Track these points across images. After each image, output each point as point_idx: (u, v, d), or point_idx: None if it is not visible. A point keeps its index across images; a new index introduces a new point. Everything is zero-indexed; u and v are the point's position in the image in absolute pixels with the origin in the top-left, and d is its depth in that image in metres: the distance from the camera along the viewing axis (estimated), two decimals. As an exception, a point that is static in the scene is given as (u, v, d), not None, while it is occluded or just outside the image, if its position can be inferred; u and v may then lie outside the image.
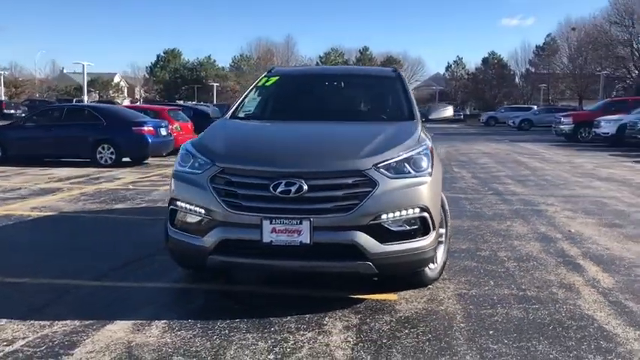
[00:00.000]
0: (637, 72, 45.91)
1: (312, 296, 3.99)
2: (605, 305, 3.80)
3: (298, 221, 3.47)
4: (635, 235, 5.93)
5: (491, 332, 3.34)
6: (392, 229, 3.55)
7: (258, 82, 5.32)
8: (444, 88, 75.12)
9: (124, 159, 13.09)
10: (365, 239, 3.48)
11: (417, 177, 3.66)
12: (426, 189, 3.66)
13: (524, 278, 4.40)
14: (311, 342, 3.20)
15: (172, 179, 3.98)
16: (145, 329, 3.36)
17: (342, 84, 5.38)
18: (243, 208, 3.57)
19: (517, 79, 70.40)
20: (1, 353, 3.01)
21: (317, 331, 3.36)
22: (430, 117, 4.88)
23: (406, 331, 3.36)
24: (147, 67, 76.11)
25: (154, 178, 10.89)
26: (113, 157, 12.82)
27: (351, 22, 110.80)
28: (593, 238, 5.73)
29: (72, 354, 3.02)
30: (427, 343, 3.18)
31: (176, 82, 70.49)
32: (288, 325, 3.43)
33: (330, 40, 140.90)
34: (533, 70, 66.96)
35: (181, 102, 30.76)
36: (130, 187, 9.54)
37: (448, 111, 4.96)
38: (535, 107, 47.81)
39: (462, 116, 64.99)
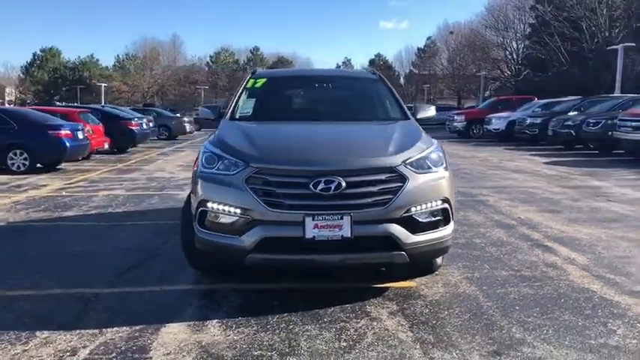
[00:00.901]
0: (509, 72, 49.94)
1: (338, 289, 4.19)
2: (593, 279, 4.36)
3: (339, 216, 3.66)
4: (576, 218, 6.69)
5: (517, 308, 3.74)
6: (420, 220, 3.84)
7: (246, 84, 5.38)
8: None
9: (38, 165, 12.32)
10: (399, 231, 3.74)
11: (437, 172, 3.99)
12: (446, 182, 4.00)
13: (511, 261, 4.88)
14: (370, 328, 3.41)
15: (199, 181, 4.00)
16: (204, 329, 3.40)
17: (331, 85, 5.61)
18: (284, 207, 3.69)
19: (402, 80, 73.71)
20: (73, 364, 2.95)
21: (367, 318, 3.58)
22: (417, 117, 5.24)
23: (446, 312, 3.68)
24: (22, 67, 70.87)
25: (82, 183, 10.40)
26: (27, 163, 12.02)
27: (240, 22, 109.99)
28: (544, 223, 6.40)
29: (150, 357, 3.01)
30: (472, 321, 3.51)
31: (56, 82, 66.18)
32: (337, 316, 3.62)
33: (219, 40, 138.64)
34: (416, 72, 70.59)
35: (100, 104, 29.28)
36: (64, 193, 9.08)
37: (432, 110, 5.34)
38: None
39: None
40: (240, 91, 5.34)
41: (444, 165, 4.09)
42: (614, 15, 32.77)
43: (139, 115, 20.01)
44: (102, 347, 3.14)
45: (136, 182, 10.54)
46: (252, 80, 5.45)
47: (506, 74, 50.25)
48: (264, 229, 3.71)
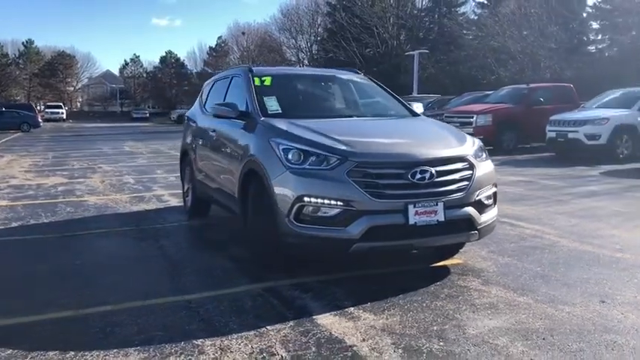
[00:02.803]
0: (303, 73, 52.89)
1: (406, 271, 4.60)
2: (574, 242, 5.42)
3: (435, 203, 4.10)
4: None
5: (559, 267, 4.57)
6: (484, 202, 4.45)
7: (253, 82, 5.39)
8: (123, 86, 73.06)
9: None
10: (475, 213, 4.31)
11: (487, 160, 4.64)
12: (493, 170, 4.67)
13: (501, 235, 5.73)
14: (471, 291, 3.92)
15: (293, 177, 4.07)
16: (357, 316, 3.56)
17: (333, 84, 5.87)
18: (387, 197, 4.00)
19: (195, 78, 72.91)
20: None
21: (458, 286, 4.06)
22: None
23: (508, 271, 4.34)
24: None
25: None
26: None
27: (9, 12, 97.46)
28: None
29: (353, 345, 3.14)
30: (526, 273, 4.23)
31: None
32: (439, 289, 4.05)
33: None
34: (209, 70, 70.37)
35: None
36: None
37: (420, 107, 5.96)
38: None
39: (147, 115, 64.65)
40: (249, 88, 5.32)
41: (487, 154, 4.75)
42: (403, 23, 37.00)
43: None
44: (286, 344, 3.17)
45: None
46: (257, 78, 5.47)
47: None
48: (371, 219, 3.97)
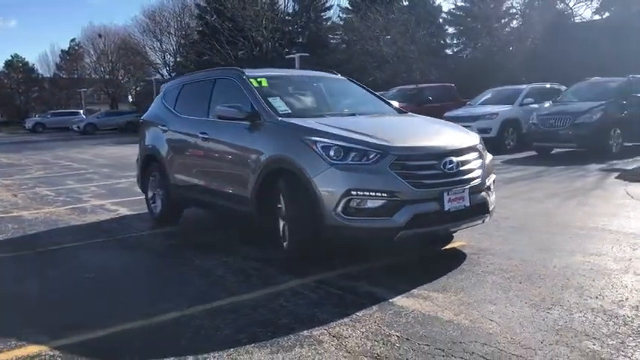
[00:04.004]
0: (169, 76, 51.22)
1: (418, 259, 5.00)
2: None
3: (462, 190, 4.55)
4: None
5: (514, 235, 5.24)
6: (491, 188, 4.99)
7: (251, 85, 5.46)
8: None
9: None
10: (488, 197, 4.84)
11: (488, 152, 5.17)
12: (492, 159, 5.22)
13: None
14: (498, 273, 4.42)
15: (338, 172, 4.29)
16: (429, 298, 3.87)
17: (324, 85, 6.08)
18: (426, 186, 4.39)
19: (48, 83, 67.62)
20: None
21: (486, 270, 4.53)
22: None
23: (509, 246, 4.92)
24: None
25: None
26: None
27: None
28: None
29: (446, 320, 3.46)
30: (526, 243, 4.86)
31: None
32: (465, 267, 4.49)
33: None
34: (62, 75, 65.73)
35: None
36: None
37: (396, 104, 6.38)
38: (99, 111, 48.55)
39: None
40: (251, 90, 5.38)
41: None
42: (277, 27, 37.49)
43: None
44: (389, 325, 3.41)
45: None
46: (253, 80, 5.55)
47: (165, 77, 51.41)
48: (414, 208, 4.32)
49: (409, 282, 4.18)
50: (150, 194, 6.95)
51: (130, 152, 19.00)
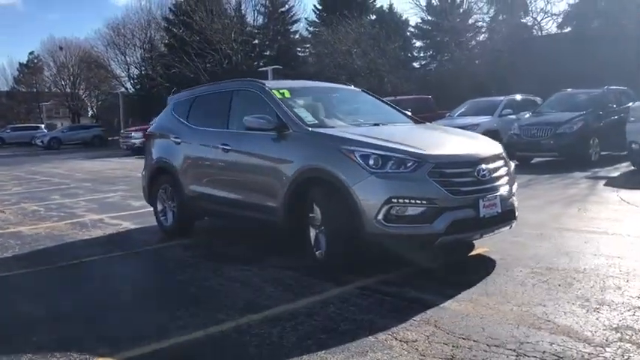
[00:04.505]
0: (133, 89, 50.45)
1: (450, 265, 5.10)
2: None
3: (494, 196, 4.69)
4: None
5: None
6: (515, 194, 5.13)
7: (274, 96, 5.50)
8: None
9: None
10: (515, 203, 4.99)
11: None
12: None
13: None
14: (531, 276, 4.56)
15: (379, 180, 4.37)
16: (473, 302, 3.97)
17: (345, 96, 6.19)
18: (462, 193, 4.50)
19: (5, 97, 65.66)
20: None
21: (505, 278, 4.65)
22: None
23: (529, 248, 5.09)
24: None
25: None
26: None
27: None
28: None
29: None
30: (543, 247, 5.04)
31: None
32: (506, 279, 4.61)
33: None
34: (21, 89, 64.04)
35: None
36: None
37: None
38: (60, 125, 47.35)
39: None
40: (276, 101, 5.42)
41: None
42: (247, 40, 37.50)
43: None
44: (453, 328, 3.49)
45: None
46: (275, 91, 5.59)
47: (130, 91, 50.59)
48: (452, 214, 4.43)
49: (452, 287, 4.27)
50: (159, 207, 6.87)
51: (106, 167, 18.77)
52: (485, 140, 5.25)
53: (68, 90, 58.61)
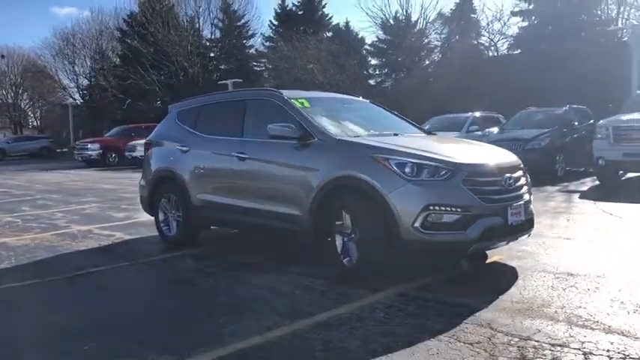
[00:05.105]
0: (82, 100, 48.95)
1: (474, 272, 5.21)
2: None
3: (519, 204, 4.85)
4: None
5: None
6: (532, 203, 5.32)
7: (294, 106, 5.52)
8: None
9: None
10: (533, 211, 5.18)
11: (523, 168, 5.53)
12: (528, 177, 5.58)
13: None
14: (561, 277, 4.74)
15: (416, 188, 4.46)
16: (514, 310, 4.09)
17: (359, 106, 6.25)
18: (493, 201, 4.65)
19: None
20: None
21: (534, 284, 4.84)
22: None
23: (541, 255, 5.29)
24: None
25: None
26: None
27: None
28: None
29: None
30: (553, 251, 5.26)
31: None
32: (538, 283, 4.76)
33: None
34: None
35: None
36: None
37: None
38: (3, 136, 45.40)
39: None
40: (298, 110, 5.44)
41: None
42: (204, 52, 37.19)
43: None
44: (509, 332, 3.59)
45: None
46: (295, 101, 5.61)
47: (79, 102, 49.10)
48: (485, 222, 4.57)
49: (487, 292, 4.37)
50: (161, 216, 6.72)
51: (66, 179, 18.15)
52: (504, 151, 5.43)
53: (10, 100, 56.40)
